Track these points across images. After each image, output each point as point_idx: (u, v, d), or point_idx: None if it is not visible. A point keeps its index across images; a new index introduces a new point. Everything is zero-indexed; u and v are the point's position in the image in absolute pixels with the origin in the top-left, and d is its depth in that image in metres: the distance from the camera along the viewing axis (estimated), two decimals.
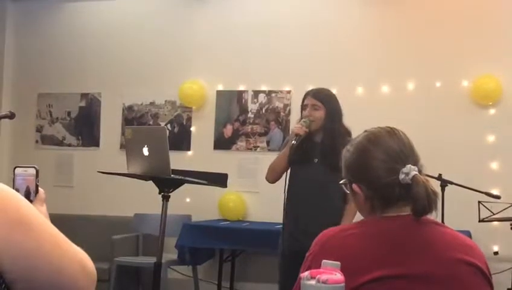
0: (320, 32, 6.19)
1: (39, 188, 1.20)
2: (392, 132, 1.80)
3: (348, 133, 4.04)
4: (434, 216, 1.74)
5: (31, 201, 1.13)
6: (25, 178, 1.19)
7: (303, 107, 4.11)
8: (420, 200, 1.67)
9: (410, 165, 1.71)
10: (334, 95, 4.20)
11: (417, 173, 1.70)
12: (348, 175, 1.82)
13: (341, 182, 1.85)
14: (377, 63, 6.02)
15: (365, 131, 1.85)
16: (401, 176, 1.70)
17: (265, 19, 6.36)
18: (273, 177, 4.13)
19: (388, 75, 5.97)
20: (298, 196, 4.01)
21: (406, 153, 1.75)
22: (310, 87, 6.07)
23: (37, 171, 1.20)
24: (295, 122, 4.02)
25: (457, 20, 5.88)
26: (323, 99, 4.07)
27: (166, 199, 3.52)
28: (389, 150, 1.75)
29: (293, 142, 3.96)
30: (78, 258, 1.07)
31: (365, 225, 1.75)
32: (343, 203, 3.95)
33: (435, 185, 4.23)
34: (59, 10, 7.02)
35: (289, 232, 4.01)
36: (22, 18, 7.11)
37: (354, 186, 1.79)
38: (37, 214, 1.06)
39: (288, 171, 4.06)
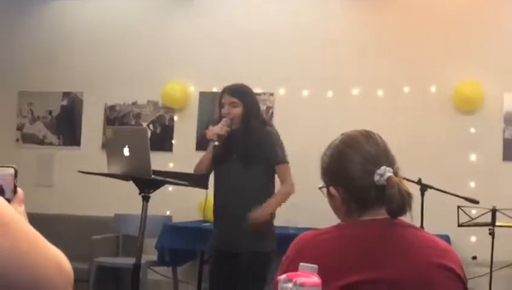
0: (303, 35, 6.22)
1: (18, 189, 1.20)
2: (368, 135, 1.82)
3: (264, 122, 4.21)
4: (411, 219, 1.76)
5: (9, 201, 1.13)
6: (3, 178, 1.19)
7: (221, 105, 4.12)
8: (394, 201, 1.69)
9: (384, 166, 1.73)
10: (250, 89, 4.22)
11: (392, 174, 1.72)
12: (326, 178, 1.84)
13: (319, 186, 1.87)
14: (361, 68, 6.06)
15: (342, 134, 1.87)
16: (376, 178, 1.72)
17: (250, 21, 6.38)
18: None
19: (364, 82, 6.01)
20: (221, 194, 4.10)
21: (381, 156, 1.77)
22: (294, 90, 6.19)
23: (15, 171, 1.20)
24: (220, 122, 4.07)
25: (440, 26, 5.93)
26: (240, 95, 4.10)
27: (146, 199, 3.52)
28: (365, 153, 1.77)
29: (215, 143, 4.01)
30: (55, 259, 1.07)
31: (342, 229, 1.76)
32: (267, 195, 4.07)
33: (415, 189, 4.27)
34: (42, 8, 6.98)
35: (216, 232, 4.15)
36: (3, 15, 7.06)
37: (331, 189, 1.80)
38: (15, 215, 1.06)
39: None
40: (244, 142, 4.00)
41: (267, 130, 4.14)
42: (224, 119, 4.05)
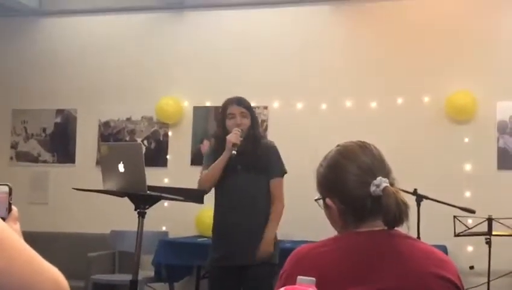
0: (296, 48, 6.24)
1: (12, 206, 1.19)
2: (363, 146, 1.82)
3: (262, 137, 4.29)
4: (407, 229, 1.76)
5: (3, 219, 1.12)
6: None
7: (228, 116, 4.12)
8: (391, 211, 1.68)
9: (380, 177, 1.73)
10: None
11: (388, 184, 1.72)
12: (322, 190, 1.84)
13: (316, 198, 1.86)
14: (354, 80, 6.08)
15: (337, 146, 1.87)
16: (372, 188, 1.72)
17: (243, 35, 6.40)
18: (210, 186, 4.13)
19: (357, 94, 6.02)
20: (226, 206, 4.09)
21: (377, 166, 1.77)
22: (288, 103, 6.20)
23: (10, 189, 1.19)
24: (232, 132, 4.06)
25: (432, 37, 5.96)
26: (247, 106, 4.15)
27: (142, 215, 3.50)
28: (361, 163, 1.77)
29: (233, 152, 4.00)
30: (51, 276, 1.06)
31: (338, 241, 1.75)
32: (269, 206, 4.09)
33: (411, 199, 4.27)
34: (34, 26, 6.99)
35: (218, 246, 4.13)
36: None
37: (328, 200, 1.80)
38: (10, 232, 1.05)
39: None
40: (253, 153, 4.02)
41: (270, 142, 4.18)
42: (235, 129, 4.04)
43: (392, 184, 1.74)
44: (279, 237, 5.40)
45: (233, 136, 4.00)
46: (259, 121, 6.22)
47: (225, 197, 4.10)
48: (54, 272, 1.07)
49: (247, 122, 4.08)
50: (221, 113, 4.17)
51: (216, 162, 4.09)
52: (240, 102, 4.14)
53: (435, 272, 1.68)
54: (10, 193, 1.19)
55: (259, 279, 3.97)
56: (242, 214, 4.02)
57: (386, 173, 1.77)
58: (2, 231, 1.03)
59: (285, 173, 4.23)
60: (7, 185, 1.20)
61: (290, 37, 6.27)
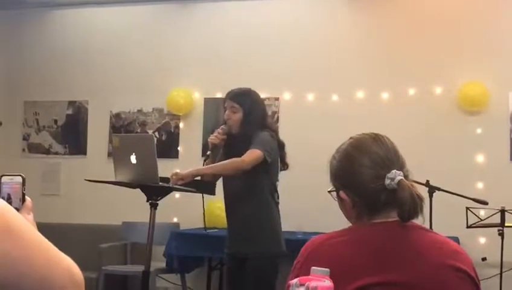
0: (307, 39, 6.22)
1: (26, 197, 1.19)
2: (376, 138, 1.81)
3: (263, 127, 4.00)
4: (421, 222, 1.75)
5: (17, 209, 1.13)
6: (12, 186, 1.19)
7: (224, 108, 4.08)
8: (406, 204, 1.67)
9: (395, 170, 1.72)
10: (253, 94, 4.10)
11: (402, 178, 1.71)
12: (335, 182, 1.83)
13: (329, 189, 1.85)
14: (366, 71, 6.05)
15: (350, 138, 1.85)
16: (387, 182, 1.71)
17: (253, 26, 6.38)
18: (212, 180, 4.08)
19: (369, 85, 6.00)
20: (225, 198, 4.09)
21: (391, 159, 1.76)
22: (300, 94, 6.19)
23: (23, 180, 1.20)
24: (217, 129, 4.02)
25: (444, 28, 5.92)
26: (241, 100, 4.01)
27: (154, 206, 3.52)
28: (375, 156, 1.75)
29: (208, 152, 3.99)
30: (66, 266, 1.06)
31: (353, 232, 1.75)
32: (262, 193, 3.97)
33: (423, 191, 4.25)
34: (46, 18, 7.00)
35: (226, 237, 4.13)
36: (8, 26, 7.08)
37: (342, 193, 1.79)
38: (24, 222, 1.05)
39: None
40: (242, 146, 3.92)
41: (260, 132, 3.98)
42: (221, 127, 4.02)
43: (406, 176, 1.73)
44: (290, 228, 5.42)
45: (213, 137, 3.99)
46: (270, 112, 6.22)
47: (224, 189, 4.10)
48: (68, 262, 1.08)
49: (235, 117, 3.98)
50: (222, 106, 4.15)
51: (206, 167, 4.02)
52: (233, 96, 4.04)
53: (450, 263, 1.67)
54: (24, 184, 1.19)
55: (256, 272, 3.93)
56: (237, 205, 4.00)
57: (400, 165, 1.75)
58: (17, 221, 1.03)
59: (267, 153, 3.89)
60: (20, 175, 1.20)
61: (301, 28, 6.25)
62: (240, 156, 3.87)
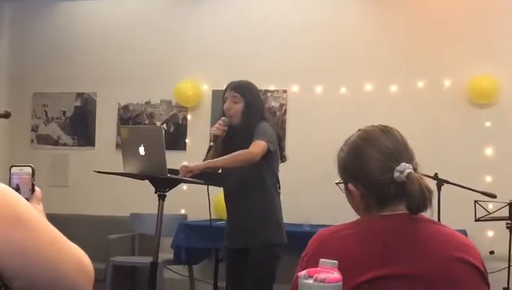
0: (315, 31, 6.20)
1: (35, 187, 1.20)
2: (385, 130, 1.80)
3: (263, 119, 4.01)
4: (429, 214, 1.74)
5: (27, 200, 1.13)
6: (21, 177, 1.19)
7: (223, 100, 4.07)
8: (415, 197, 1.67)
9: (404, 163, 1.71)
10: (253, 86, 4.13)
11: (411, 170, 1.70)
12: (343, 174, 1.82)
13: (336, 181, 1.85)
14: (374, 63, 6.03)
15: (359, 130, 1.84)
16: (396, 174, 1.70)
17: (262, 18, 6.37)
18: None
19: (378, 77, 5.98)
20: (226, 190, 4.10)
21: (400, 151, 1.75)
22: (308, 87, 6.17)
23: (33, 170, 1.20)
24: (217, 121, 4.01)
25: (454, 20, 5.89)
26: (242, 91, 4.02)
27: (162, 198, 3.52)
28: (384, 148, 1.75)
29: (210, 144, 3.97)
30: (75, 255, 1.07)
31: (361, 225, 1.74)
32: (263, 184, 3.96)
33: (431, 184, 4.24)
34: (54, 10, 7.00)
35: (227, 228, 4.16)
36: (16, 18, 7.09)
37: (350, 185, 1.78)
38: (34, 212, 1.06)
39: None
40: (243, 137, 3.92)
41: (260, 123, 3.97)
42: (222, 118, 4.01)
43: (415, 169, 1.72)
44: (297, 220, 5.42)
45: (214, 128, 3.98)
46: (278, 105, 6.21)
47: (224, 181, 4.08)
48: (78, 252, 1.08)
49: (237, 107, 3.98)
50: (222, 97, 4.13)
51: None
52: (235, 86, 4.04)
53: (458, 256, 1.67)
54: (33, 174, 1.20)
55: (258, 263, 3.94)
56: (237, 197, 4.00)
57: (409, 158, 1.74)
58: (28, 212, 1.04)
59: (270, 143, 3.88)
60: (30, 166, 1.20)
61: (310, 20, 6.23)
62: (240, 148, 3.87)
